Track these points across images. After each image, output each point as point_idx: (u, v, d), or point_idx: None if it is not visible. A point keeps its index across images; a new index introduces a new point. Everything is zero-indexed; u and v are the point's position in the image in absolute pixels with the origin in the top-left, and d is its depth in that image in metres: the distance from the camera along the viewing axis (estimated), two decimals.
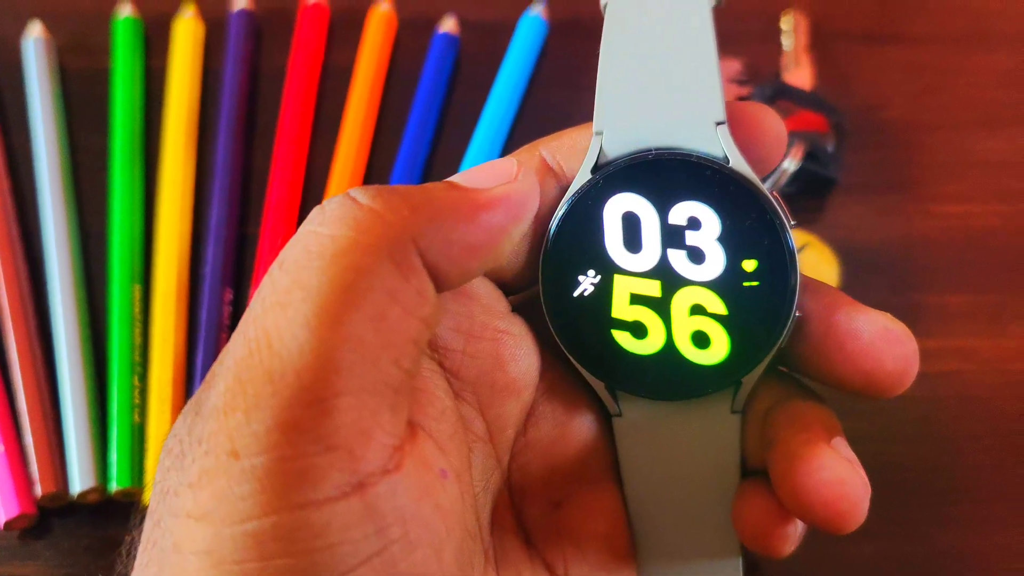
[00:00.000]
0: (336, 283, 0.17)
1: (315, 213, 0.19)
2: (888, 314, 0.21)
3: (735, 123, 0.22)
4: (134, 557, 0.19)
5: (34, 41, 0.41)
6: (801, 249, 0.38)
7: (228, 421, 0.17)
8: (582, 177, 0.22)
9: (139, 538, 0.19)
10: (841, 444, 0.21)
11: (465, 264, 0.19)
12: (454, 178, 0.20)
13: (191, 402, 0.19)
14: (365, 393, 0.17)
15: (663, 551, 0.23)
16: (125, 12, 0.41)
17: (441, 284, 0.19)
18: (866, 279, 0.37)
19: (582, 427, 0.24)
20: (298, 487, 0.16)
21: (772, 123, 0.23)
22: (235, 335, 0.18)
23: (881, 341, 0.20)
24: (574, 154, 0.23)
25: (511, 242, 0.20)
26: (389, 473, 0.17)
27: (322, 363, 0.17)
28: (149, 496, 0.19)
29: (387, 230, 0.18)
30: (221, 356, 0.18)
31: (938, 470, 0.34)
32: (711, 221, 0.22)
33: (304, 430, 0.16)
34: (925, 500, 0.33)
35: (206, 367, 0.35)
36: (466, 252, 0.19)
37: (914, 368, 0.21)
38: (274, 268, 0.18)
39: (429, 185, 0.20)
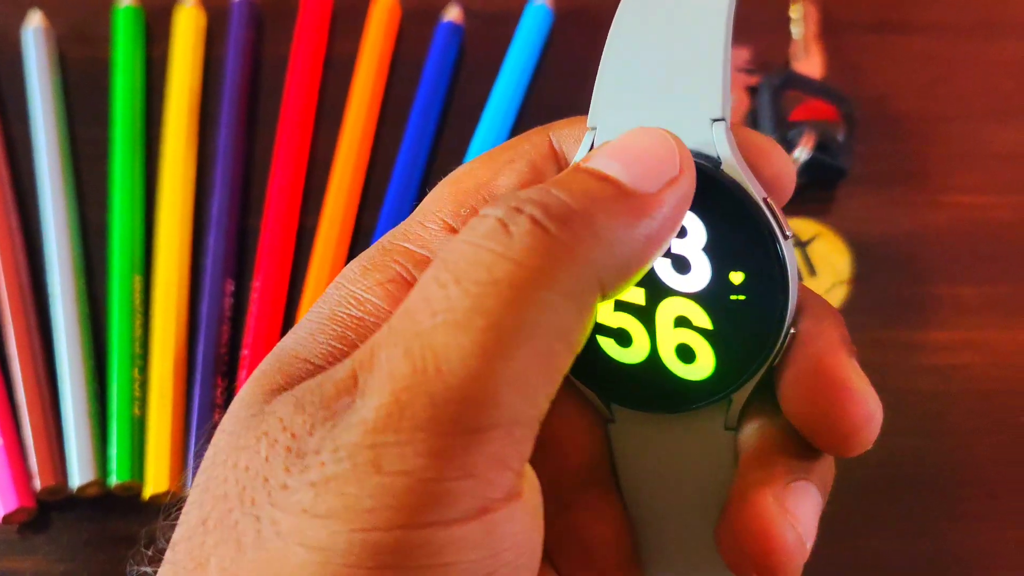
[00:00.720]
0: (517, 318, 0.17)
1: (497, 230, 0.17)
2: (859, 370, 0.20)
3: (741, 150, 0.21)
4: (165, 543, 0.18)
5: (34, 30, 0.40)
6: (811, 241, 0.37)
7: (378, 438, 0.16)
8: None
9: (190, 518, 0.18)
10: (796, 492, 0.19)
11: (630, 277, 0.19)
12: (614, 169, 0.19)
13: (310, 393, 0.18)
14: (516, 426, 0.17)
15: (663, 560, 0.23)
16: (126, 1, 0.41)
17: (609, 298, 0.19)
18: (877, 271, 0.36)
19: (590, 430, 0.23)
20: (430, 508, 0.16)
21: (777, 159, 0.21)
22: (389, 341, 0.17)
23: (838, 392, 0.19)
24: (579, 144, 0.22)
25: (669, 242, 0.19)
26: (512, 500, 0.17)
27: (486, 396, 0.16)
28: (214, 476, 0.18)
29: (574, 265, 0.17)
30: (378, 358, 0.17)
31: (949, 464, 0.33)
32: (697, 229, 0.20)
33: (452, 457, 0.16)
34: (935, 494, 0.33)
35: (207, 359, 0.35)
36: (637, 264, 0.18)
37: (868, 435, 0.19)
38: (447, 280, 0.17)
39: (600, 195, 0.18)
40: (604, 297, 0.18)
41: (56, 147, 0.38)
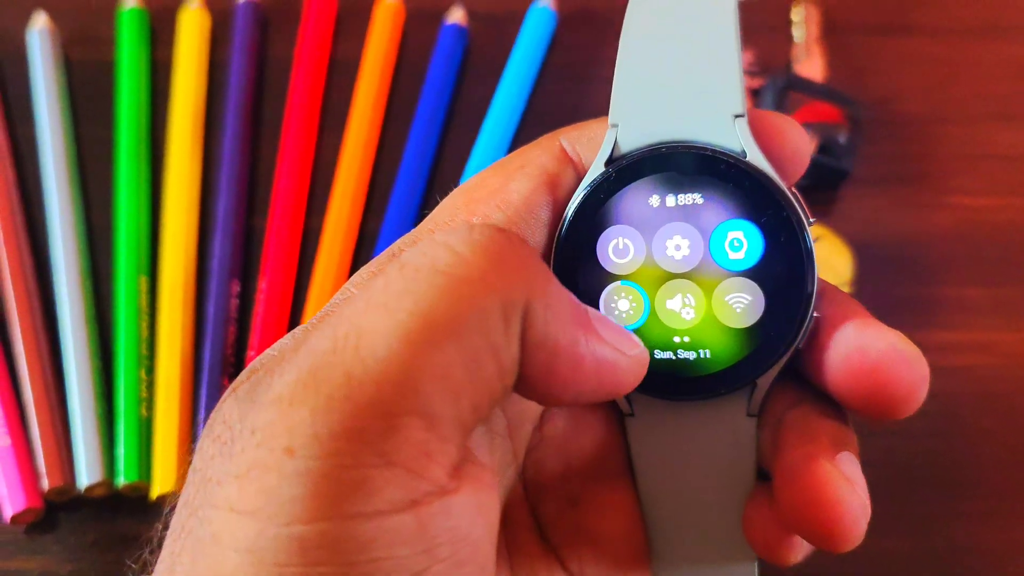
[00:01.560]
0: (448, 309, 0.16)
1: (461, 230, 0.18)
2: (899, 333, 0.20)
3: (754, 131, 0.22)
4: (158, 548, 0.18)
5: (39, 32, 0.40)
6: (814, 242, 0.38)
7: (291, 415, 0.16)
8: (595, 170, 0.22)
9: (171, 526, 0.18)
10: (846, 460, 0.20)
11: (540, 367, 0.18)
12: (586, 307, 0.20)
13: (244, 385, 0.18)
14: (436, 419, 0.17)
15: (678, 553, 0.23)
16: (131, 3, 0.41)
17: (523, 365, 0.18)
18: (880, 273, 0.37)
19: (598, 424, 0.23)
20: (351, 497, 0.16)
21: (793, 134, 0.22)
22: (322, 322, 0.17)
23: (888, 360, 0.19)
24: (594, 146, 0.22)
25: (583, 397, 0.19)
26: (447, 494, 0.17)
27: (404, 380, 0.16)
28: (184, 482, 0.18)
29: (514, 279, 0.17)
30: (298, 338, 0.17)
31: (955, 464, 0.33)
32: (727, 217, 0.21)
33: (368, 441, 0.16)
34: (942, 494, 0.33)
35: (213, 360, 0.35)
36: (549, 358, 0.18)
37: (921, 393, 0.19)
38: (392, 268, 0.17)
39: (559, 288, 0.19)
40: (523, 361, 0.18)
41: (61, 149, 0.38)
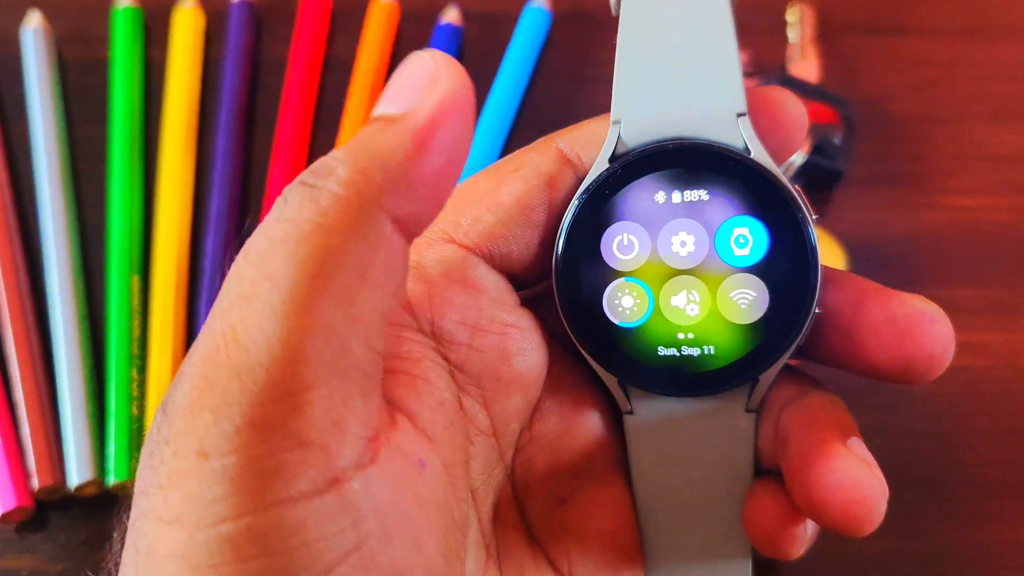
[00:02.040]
0: (303, 269, 0.16)
1: (276, 204, 0.18)
2: (920, 296, 0.21)
3: (754, 107, 0.22)
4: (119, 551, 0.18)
5: (33, 31, 0.40)
6: None
7: (195, 421, 0.16)
8: (599, 166, 0.22)
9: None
10: (857, 444, 0.20)
11: (432, 200, 0.18)
12: (381, 107, 0.19)
13: (163, 401, 0.18)
14: (336, 380, 0.16)
15: (672, 551, 0.23)
16: (125, 2, 0.41)
17: (413, 231, 0.18)
18: (874, 273, 0.36)
19: (589, 423, 0.23)
20: (271, 486, 0.16)
21: (792, 107, 0.22)
22: (202, 331, 0.17)
23: (918, 324, 0.20)
24: (592, 145, 0.22)
25: (467, 149, 0.19)
26: (364, 466, 0.17)
27: (291, 355, 0.16)
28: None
29: (349, 207, 0.17)
30: (189, 353, 0.18)
31: (948, 465, 0.33)
32: (732, 213, 0.21)
33: (275, 427, 0.16)
34: (935, 495, 0.33)
35: None
36: (430, 189, 0.18)
37: (951, 349, 0.21)
38: (239, 260, 0.17)
39: (368, 135, 0.18)
40: (412, 226, 0.18)
41: (55, 148, 0.38)
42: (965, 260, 0.37)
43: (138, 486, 0.17)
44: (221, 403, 0.16)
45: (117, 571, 0.18)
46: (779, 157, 0.22)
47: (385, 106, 0.18)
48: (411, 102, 0.18)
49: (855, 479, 0.19)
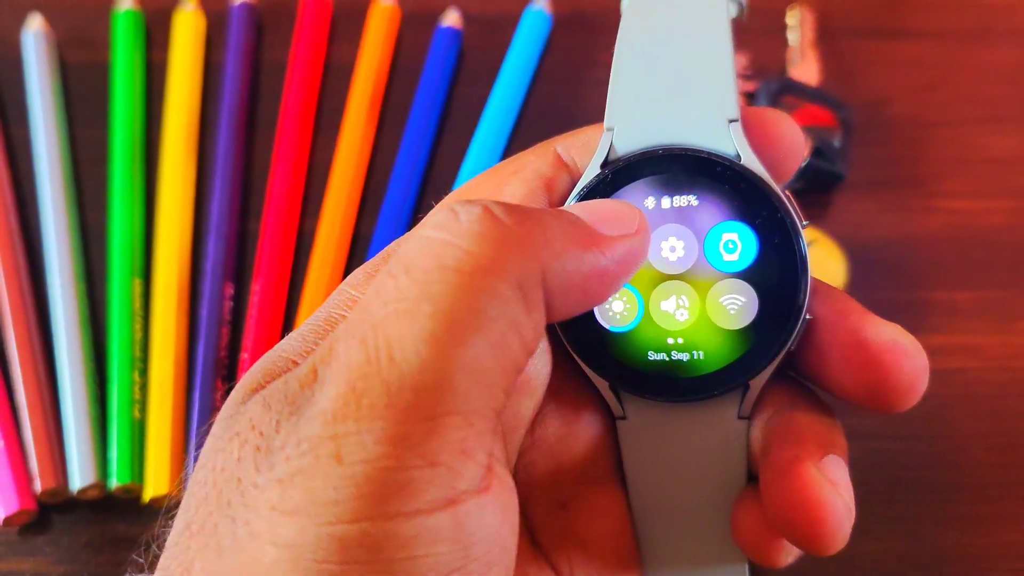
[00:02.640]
0: (468, 304, 0.17)
1: (448, 219, 0.18)
2: (898, 326, 0.20)
3: (751, 128, 0.22)
4: (158, 549, 0.19)
5: (34, 34, 0.40)
6: (807, 246, 0.38)
7: (337, 427, 0.16)
8: (591, 172, 0.22)
9: (178, 523, 0.18)
10: (832, 464, 0.20)
11: (575, 305, 0.19)
12: (577, 210, 0.20)
13: (275, 395, 0.18)
14: (474, 415, 0.17)
15: (668, 555, 0.23)
16: (125, 5, 0.41)
17: (549, 318, 0.19)
18: (873, 275, 0.37)
19: (589, 427, 0.23)
20: (394, 498, 0.16)
21: (789, 130, 0.22)
22: (347, 333, 0.17)
23: (889, 354, 0.20)
24: (587, 150, 0.23)
25: (618, 289, 0.20)
26: (480, 492, 0.17)
27: (440, 383, 0.17)
28: (194, 480, 0.18)
29: (522, 256, 0.18)
30: (328, 350, 0.17)
31: (943, 467, 0.33)
32: (722, 219, 0.21)
33: (411, 445, 0.16)
34: (930, 497, 0.33)
35: (207, 362, 0.35)
36: (581, 294, 0.19)
37: (922, 384, 0.20)
38: (398, 271, 0.17)
39: (557, 213, 0.19)
40: (550, 315, 0.18)
41: (56, 150, 0.38)
42: (961, 263, 0.37)
43: (236, 474, 0.17)
44: (367, 415, 0.16)
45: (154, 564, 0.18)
46: (774, 177, 0.22)
47: (578, 210, 0.20)
48: (606, 230, 0.19)
49: (817, 500, 0.19)
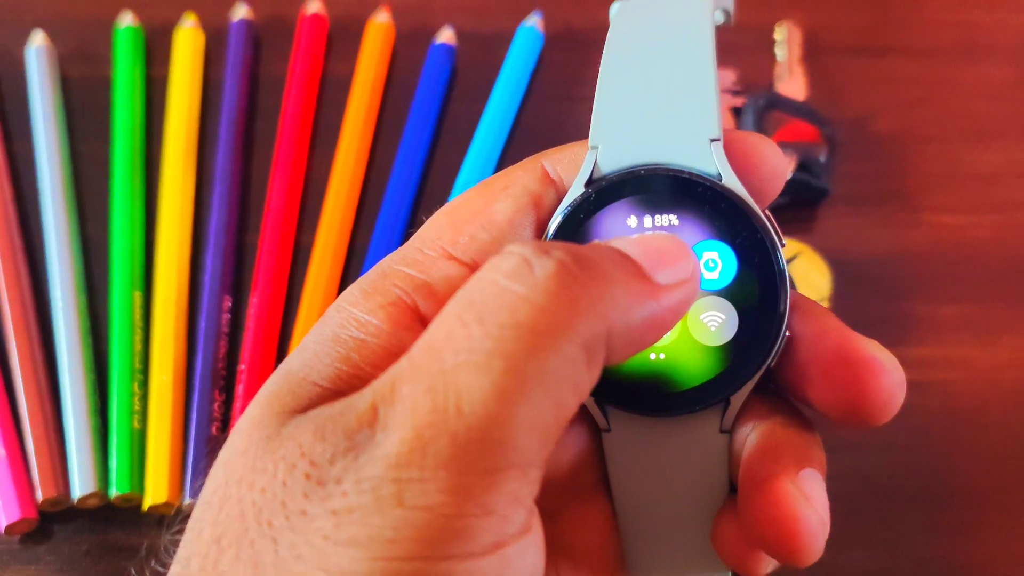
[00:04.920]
0: (538, 366, 0.17)
1: (522, 270, 0.18)
2: (876, 342, 0.21)
3: (734, 152, 0.22)
4: (167, 556, 0.19)
5: (36, 50, 0.41)
6: (792, 259, 0.38)
7: (400, 472, 0.17)
8: (575, 190, 0.23)
9: (202, 535, 0.18)
10: (808, 478, 0.20)
11: (628, 353, 0.19)
12: (635, 251, 0.20)
13: (330, 426, 0.18)
14: (529, 467, 0.17)
15: (653, 565, 0.23)
16: (126, 21, 0.42)
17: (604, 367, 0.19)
18: (857, 289, 0.37)
19: (575, 440, 0.24)
20: (449, 542, 0.17)
21: (771, 154, 0.22)
22: (412, 376, 0.17)
23: (867, 370, 0.20)
24: (574, 167, 0.23)
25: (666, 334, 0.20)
26: (524, 534, 0.18)
27: (504, 438, 0.17)
28: (226, 495, 0.18)
29: (593, 318, 0.18)
30: (391, 391, 0.17)
31: (928, 478, 0.34)
32: (701, 237, 0.22)
33: (472, 496, 0.17)
34: (915, 508, 0.33)
35: (205, 374, 0.36)
36: (637, 343, 0.19)
37: (899, 400, 0.20)
38: (469, 319, 0.17)
39: (620, 261, 0.19)
40: (607, 362, 0.19)
41: (58, 164, 0.39)
42: (945, 276, 0.38)
43: (284, 500, 0.17)
44: (432, 465, 0.17)
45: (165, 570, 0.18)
46: (757, 201, 0.22)
47: (637, 253, 0.20)
48: (663, 278, 0.19)
49: (791, 515, 0.20)
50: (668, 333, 0.22)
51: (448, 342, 0.17)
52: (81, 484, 0.33)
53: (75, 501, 0.33)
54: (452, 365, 0.17)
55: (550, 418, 0.17)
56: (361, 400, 0.18)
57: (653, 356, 0.22)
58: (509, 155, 0.40)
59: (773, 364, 0.22)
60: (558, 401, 0.17)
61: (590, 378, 0.18)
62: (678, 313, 0.20)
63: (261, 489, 0.18)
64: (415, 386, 0.17)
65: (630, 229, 0.22)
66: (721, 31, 0.24)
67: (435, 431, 0.17)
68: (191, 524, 0.19)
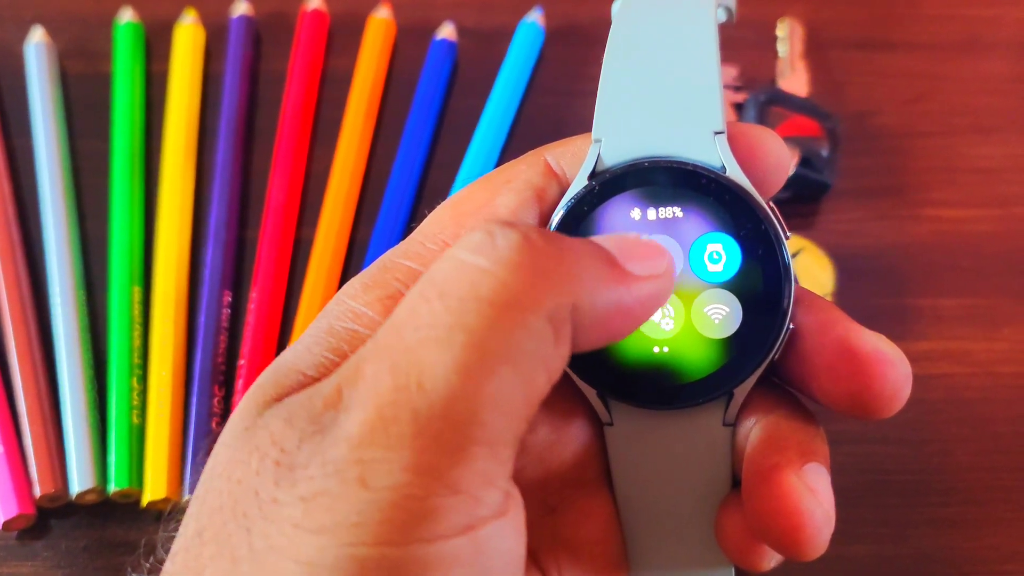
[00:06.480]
0: (501, 338, 0.17)
1: (485, 243, 0.18)
2: (882, 335, 0.21)
3: (738, 144, 0.22)
4: (164, 553, 0.19)
5: (35, 46, 0.41)
6: (796, 255, 0.38)
7: (363, 452, 0.16)
8: (579, 183, 0.22)
9: (187, 529, 0.18)
10: (812, 472, 0.20)
11: (597, 340, 0.19)
12: (608, 243, 0.20)
13: (299, 412, 0.18)
14: (498, 445, 0.17)
15: (655, 558, 0.23)
16: (126, 17, 0.42)
17: (572, 349, 0.19)
18: (860, 283, 0.37)
19: (577, 433, 0.24)
20: (416, 524, 0.16)
21: (775, 147, 0.22)
22: (375, 355, 0.17)
23: (873, 363, 0.20)
24: (577, 161, 0.23)
25: (637, 328, 0.20)
26: (498, 516, 0.17)
27: (469, 414, 0.16)
28: (211, 488, 0.18)
29: (556, 290, 0.18)
30: (355, 371, 0.17)
31: (928, 472, 0.34)
32: (707, 230, 0.22)
33: (437, 474, 0.16)
34: (915, 501, 0.33)
35: (205, 369, 0.35)
36: (604, 329, 0.19)
37: (905, 392, 0.20)
38: (432, 295, 0.17)
39: (590, 245, 0.19)
40: (575, 345, 0.18)
41: (57, 160, 0.39)
42: (948, 270, 0.38)
43: (254, 488, 0.17)
44: (395, 444, 0.16)
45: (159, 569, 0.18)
46: (760, 193, 0.22)
47: (609, 244, 0.19)
48: (634, 269, 0.19)
49: (796, 508, 0.19)
50: (668, 328, 0.22)
51: (410, 318, 0.17)
52: (79, 479, 0.33)
53: (73, 497, 0.33)
54: (414, 341, 0.17)
55: (518, 394, 0.17)
56: (327, 384, 0.18)
57: (656, 349, 0.22)
58: (510, 150, 0.40)
59: (777, 357, 0.22)
60: (526, 377, 0.17)
61: (559, 355, 0.18)
62: (647, 307, 0.19)
63: (238, 480, 0.18)
64: (378, 365, 0.17)
65: (634, 222, 0.22)
66: (723, 27, 0.24)
67: (396, 409, 0.16)
68: (184, 519, 0.19)
